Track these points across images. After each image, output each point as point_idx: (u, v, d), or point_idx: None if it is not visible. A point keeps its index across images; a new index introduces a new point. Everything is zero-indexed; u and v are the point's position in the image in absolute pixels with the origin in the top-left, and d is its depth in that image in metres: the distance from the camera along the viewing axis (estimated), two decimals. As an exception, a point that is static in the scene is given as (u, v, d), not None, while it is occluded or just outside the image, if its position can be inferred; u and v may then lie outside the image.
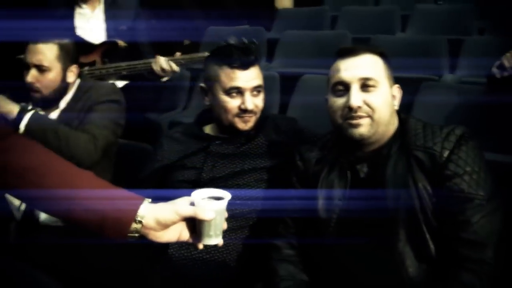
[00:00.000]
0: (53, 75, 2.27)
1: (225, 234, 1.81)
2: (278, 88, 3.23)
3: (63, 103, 2.35)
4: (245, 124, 1.96)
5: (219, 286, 1.86)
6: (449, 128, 1.58)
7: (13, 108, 2.18)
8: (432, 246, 1.51)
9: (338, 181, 1.67)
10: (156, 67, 2.96)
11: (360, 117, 1.57)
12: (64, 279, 1.86)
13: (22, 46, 2.31)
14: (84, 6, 3.29)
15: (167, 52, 3.11)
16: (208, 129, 2.10)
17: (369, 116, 1.58)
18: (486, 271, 1.43)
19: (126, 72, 3.07)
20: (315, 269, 1.70)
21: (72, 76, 2.34)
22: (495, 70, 2.42)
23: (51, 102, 2.33)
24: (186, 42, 5.25)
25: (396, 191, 1.55)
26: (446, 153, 1.52)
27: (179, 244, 1.84)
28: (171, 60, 2.96)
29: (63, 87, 2.34)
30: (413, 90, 2.95)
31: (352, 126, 1.59)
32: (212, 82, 1.98)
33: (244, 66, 1.92)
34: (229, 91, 1.93)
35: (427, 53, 3.68)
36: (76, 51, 2.36)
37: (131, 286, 1.92)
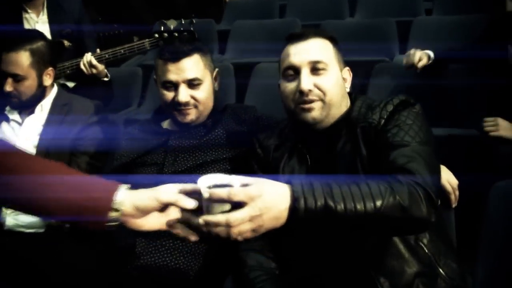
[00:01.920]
0: (29, 82, 2.27)
1: None
2: (233, 79, 3.20)
3: (38, 109, 2.33)
4: (184, 117, 1.94)
5: (189, 281, 1.83)
6: (387, 99, 1.60)
7: None
8: None
9: (299, 166, 1.67)
10: (81, 64, 2.90)
11: (312, 101, 1.58)
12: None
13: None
14: (29, 10, 3.21)
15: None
16: (166, 124, 2.07)
17: (321, 100, 1.59)
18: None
19: (69, 71, 2.99)
20: (284, 258, 1.69)
21: (48, 79, 2.34)
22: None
23: (29, 106, 2.33)
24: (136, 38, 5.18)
25: (345, 169, 1.56)
26: (382, 120, 1.54)
27: (146, 242, 1.81)
28: (94, 56, 2.90)
29: (41, 91, 2.33)
30: (366, 73, 2.99)
31: (305, 111, 1.59)
32: (155, 75, 1.98)
33: (174, 58, 1.89)
34: (164, 84, 1.92)
35: (377, 36, 3.73)
36: (50, 52, 2.33)
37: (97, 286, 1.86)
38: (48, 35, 3.19)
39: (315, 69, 1.60)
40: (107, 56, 2.93)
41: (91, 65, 2.89)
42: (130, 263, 1.83)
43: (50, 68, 2.34)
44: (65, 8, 3.29)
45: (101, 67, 2.92)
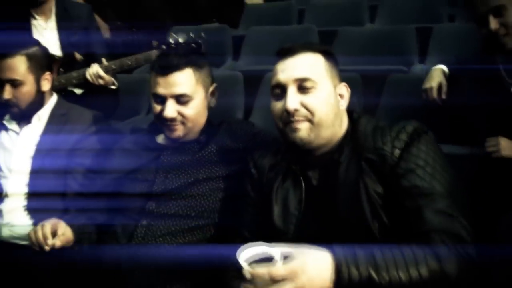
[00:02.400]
0: (27, 88, 2.23)
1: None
2: (242, 87, 3.11)
3: (36, 119, 2.30)
4: (171, 132, 1.85)
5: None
6: (399, 126, 1.48)
7: None
8: None
9: (293, 190, 1.56)
10: (87, 74, 2.86)
11: (299, 121, 1.48)
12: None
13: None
14: (37, 17, 3.18)
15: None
16: (160, 138, 1.99)
17: (308, 120, 1.48)
18: None
19: (75, 81, 2.96)
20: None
21: (47, 84, 2.31)
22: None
23: (28, 115, 2.29)
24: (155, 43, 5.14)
25: (348, 199, 1.45)
26: (396, 152, 1.42)
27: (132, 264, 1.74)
28: (102, 67, 2.86)
29: (40, 98, 2.29)
30: (380, 85, 2.85)
31: (292, 131, 1.49)
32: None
33: (163, 71, 1.80)
34: (154, 97, 1.84)
35: (395, 44, 3.58)
36: (45, 57, 2.32)
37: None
38: (56, 42, 3.19)
39: (302, 87, 1.49)
40: (113, 67, 2.89)
41: (98, 76, 2.84)
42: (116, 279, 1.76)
43: (48, 73, 2.30)
44: (73, 15, 3.26)
45: (107, 78, 2.86)
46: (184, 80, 1.81)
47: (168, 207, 1.80)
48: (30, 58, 2.22)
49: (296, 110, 1.46)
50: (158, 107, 1.83)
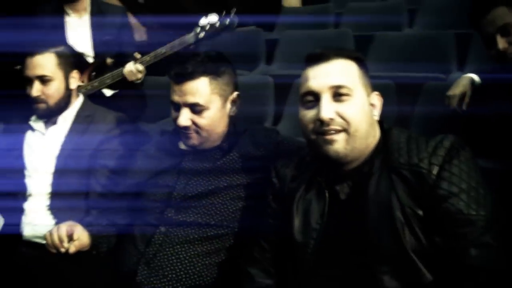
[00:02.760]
0: (56, 84, 2.24)
1: (198, 258, 1.70)
2: (272, 92, 3.05)
3: (61, 120, 2.30)
4: (186, 140, 1.83)
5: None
6: (436, 140, 1.38)
7: None
8: (427, 276, 1.32)
9: (316, 202, 1.49)
10: (125, 72, 2.91)
11: (335, 131, 1.38)
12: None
13: (19, 57, 2.29)
14: (71, 14, 3.21)
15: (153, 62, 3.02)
16: (183, 145, 1.94)
17: (344, 130, 1.39)
18: None
19: (110, 81, 3.00)
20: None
21: (74, 82, 2.32)
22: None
23: (55, 113, 2.30)
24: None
25: (379, 215, 1.36)
26: (435, 170, 1.33)
27: (148, 271, 1.71)
28: (137, 62, 2.90)
29: (67, 96, 2.30)
30: (415, 94, 2.75)
31: (326, 143, 1.39)
32: None
33: (177, 80, 1.77)
34: (171, 103, 1.82)
35: (433, 50, 3.46)
36: (73, 56, 2.35)
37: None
38: (88, 40, 3.24)
39: (337, 94, 1.39)
40: (148, 59, 2.91)
41: (137, 71, 2.89)
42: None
43: (75, 71, 2.32)
44: (107, 14, 3.29)
45: (141, 68, 2.90)
46: (198, 90, 1.76)
47: (187, 214, 1.76)
48: (59, 55, 2.24)
49: (331, 120, 1.38)
50: (174, 114, 1.81)
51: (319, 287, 1.44)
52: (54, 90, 2.24)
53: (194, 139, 1.81)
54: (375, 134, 1.46)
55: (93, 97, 2.82)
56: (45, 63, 2.21)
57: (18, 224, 2.22)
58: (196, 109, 1.77)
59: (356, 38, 3.89)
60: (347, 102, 1.40)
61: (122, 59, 3.19)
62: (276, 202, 1.61)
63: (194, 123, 1.78)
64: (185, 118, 1.77)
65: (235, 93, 1.88)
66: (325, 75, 1.42)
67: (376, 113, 1.48)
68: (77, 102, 2.36)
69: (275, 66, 3.99)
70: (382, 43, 3.76)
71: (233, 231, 1.76)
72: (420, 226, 1.32)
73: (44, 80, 2.21)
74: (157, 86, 3.28)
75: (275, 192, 1.61)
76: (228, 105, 1.86)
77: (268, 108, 3.01)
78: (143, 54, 2.95)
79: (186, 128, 1.78)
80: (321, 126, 1.39)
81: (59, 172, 2.22)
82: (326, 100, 1.39)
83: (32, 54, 2.21)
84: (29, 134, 2.34)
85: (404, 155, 1.38)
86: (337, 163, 1.42)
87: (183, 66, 1.75)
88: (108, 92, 3.20)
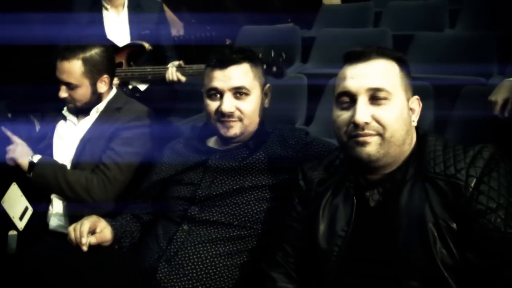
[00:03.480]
0: (82, 91, 2.24)
1: (220, 259, 1.68)
2: (306, 91, 3.00)
3: (94, 112, 2.31)
4: (227, 130, 1.79)
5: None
6: (475, 150, 1.31)
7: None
8: None
9: (343, 208, 1.43)
10: (167, 76, 2.96)
11: (368, 134, 1.33)
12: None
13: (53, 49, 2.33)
14: (109, 9, 3.24)
15: (190, 57, 3.04)
16: (211, 142, 1.94)
17: (379, 134, 1.33)
18: None
19: (151, 77, 3.03)
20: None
21: (103, 86, 2.29)
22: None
23: (86, 110, 2.32)
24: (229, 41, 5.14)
25: (410, 226, 1.30)
26: (473, 183, 1.26)
27: (168, 269, 1.69)
28: (180, 70, 2.94)
29: (97, 97, 2.30)
30: (453, 97, 2.66)
31: (359, 144, 1.33)
32: (202, 86, 1.86)
33: (222, 64, 1.76)
34: (209, 93, 1.79)
35: (474, 52, 3.35)
36: (105, 60, 2.27)
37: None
38: (127, 35, 3.26)
39: (375, 98, 1.33)
40: (191, 72, 2.95)
41: (177, 80, 2.95)
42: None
43: (105, 76, 2.27)
44: (146, 9, 3.30)
45: (183, 79, 2.95)
46: (243, 74, 1.78)
47: (210, 213, 1.74)
48: (86, 62, 2.20)
49: (366, 124, 1.32)
50: (213, 103, 1.78)
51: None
52: (80, 95, 2.24)
53: (236, 128, 1.79)
54: (411, 140, 1.39)
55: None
56: (71, 70, 2.19)
57: (45, 214, 2.26)
58: (241, 93, 1.77)
59: (396, 37, 3.79)
60: (384, 106, 1.33)
61: (160, 52, 3.23)
62: (302, 206, 1.56)
63: (238, 109, 1.77)
64: (230, 104, 1.75)
65: (268, 85, 1.89)
66: (363, 76, 1.35)
67: (415, 118, 1.41)
68: (110, 94, 2.35)
69: (311, 64, 3.94)
70: (422, 43, 3.66)
71: (257, 233, 1.72)
72: (453, 241, 1.26)
73: (70, 86, 2.22)
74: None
75: (301, 195, 1.56)
76: (263, 96, 1.87)
77: (301, 108, 2.96)
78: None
79: (230, 115, 1.76)
80: (355, 129, 1.33)
81: (81, 162, 2.22)
82: (363, 103, 1.33)
83: (61, 58, 2.19)
84: (61, 124, 2.37)
85: (440, 165, 1.31)
86: (368, 167, 1.37)
87: (226, 53, 1.77)
88: (142, 87, 3.22)
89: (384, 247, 1.34)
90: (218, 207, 1.74)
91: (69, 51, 2.18)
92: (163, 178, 1.91)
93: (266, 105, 1.89)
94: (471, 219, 1.25)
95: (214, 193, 1.76)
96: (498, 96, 2.14)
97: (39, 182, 2.18)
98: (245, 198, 1.74)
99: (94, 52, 2.22)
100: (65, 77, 2.20)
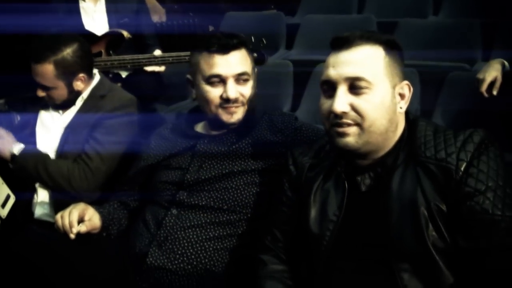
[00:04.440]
0: (58, 91, 2.19)
1: (210, 243, 1.68)
2: (292, 78, 2.99)
3: (79, 100, 2.26)
4: (231, 116, 1.77)
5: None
6: (465, 135, 1.31)
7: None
8: (449, 278, 1.27)
9: (334, 193, 1.43)
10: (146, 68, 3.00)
11: (347, 124, 1.32)
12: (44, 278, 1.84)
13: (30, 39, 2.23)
14: (87, 0, 3.19)
15: (173, 44, 3.01)
16: (199, 127, 1.92)
17: (357, 124, 1.31)
18: None
19: (130, 66, 3.03)
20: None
21: (80, 84, 2.22)
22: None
23: (66, 105, 2.26)
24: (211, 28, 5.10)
25: (402, 210, 1.30)
26: (463, 166, 1.27)
27: (159, 253, 1.70)
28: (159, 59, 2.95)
29: (75, 94, 2.24)
30: (439, 83, 2.67)
31: (338, 135, 1.33)
32: (194, 71, 1.79)
33: (224, 50, 1.72)
34: (209, 79, 1.74)
35: (459, 39, 3.36)
36: (79, 59, 2.17)
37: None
38: (105, 25, 3.23)
39: (354, 87, 1.31)
40: (170, 60, 2.94)
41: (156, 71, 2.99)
42: (140, 275, 1.72)
43: (81, 75, 2.20)
44: None
45: (162, 69, 2.98)
46: (243, 59, 1.76)
47: (199, 198, 1.73)
48: (58, 65, 2.11)
49: (344, 113, 1.31)
50: (215, 90, 1.75)
51: (334, 279, 1.39)
52: (57, 95, 2.20)
53: (239, 113, 1.77)
54: (396, 128, 1.38)
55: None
56: (44, 74, 2.12)
57: (30, 203, 2.23)
58: (242, 79, 1.75)
59: (380, 24, 3.79)
60: (364, 95, 1.31)
61: (140, 40, 3.20)
62: (292, 191, 1.56)
63: (241, 94, 1.75)
64: (234, 90, 1.73)
65: (256, 69, 1.87)
66: (344, 64, 1.33)
67: (403, 104, 1.39)
68: (94, 81, 2.30)
69: (295, 51, 3.92)
70: (406, 30, 3.66)
71: (246, 217, 1.72)
72: (444, 224, 1.27)
73: (45, 88, 2.17)
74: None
75: (291, 181, 1.56)
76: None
77: (287, 95, 2.95)
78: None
79: (235, 101, 1.74)
80: (335, 118, 1.33)
81: (62, 152, 2.20)
82: (342, 92, 1.32)
83: (34, 61, 2.12)
84: (45, 112, 2.32)
85: (431, 149, 1.32)
86: (351, 154, 1.37)
87: (226, 38, 1.73)
88: (124, 73, 3.19)
89: (376, 231, 1.34)
90: (207, 192, 1.74)
91: (40, 54, 2.11)
92: (150, 164, 1.89)
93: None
94: (460, 202, 1.26)
95: (203, 178, 1.74)
96: (487, 74, 2.15)
97: (21, 173, 2.16)
98: (234, 183, 1.73)
99: (66, 53, 2.13)
100: (39, 80, 2.15)
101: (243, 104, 1.77)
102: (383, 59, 1.34)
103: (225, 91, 1.72)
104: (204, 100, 1.77)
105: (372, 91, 1.31)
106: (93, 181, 2.12)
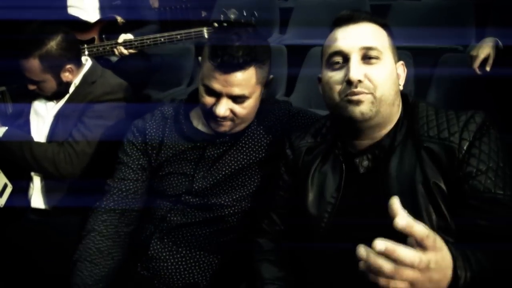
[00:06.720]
0: (47, 84, 2.18)
1: (213, 236, 1.71)
2: (286, 61, 2.98)
3: (72, 87, 2.25)
4: (218, 127, 1.66)
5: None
6: (468, 115, 1.33)
7: None
8: None
9: (332, 175, 1.44)
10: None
11: (362, 92, 1.33)
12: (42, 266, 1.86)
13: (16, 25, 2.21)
14: None
15: (170, 26, 2.98)
16: (200, 125, 1.79)
17: (371, 93, 1.34)
18: None
19: (109, 50, 2.97)
20: (302, 270, 1.52)
21: (68, 75, 2.21)
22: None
23: (59, 95, 2.26)
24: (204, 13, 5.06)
25: (401, 191, 1.31)
26: (465, 145, 1.29)
27: (161, 246, 1.71)
28: (152, 38, 2.90)
29: (65, 84, 2.23)
30: (432, 64, 2.68)
31: (352, 103, 1.33)
32: (201, 65, 1.67)
33: (226, 69, 1.55)
34: (206, 88, 1.61)
35: (451, 21, 3.36)
36: (65, 50, 2.15)
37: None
38: (96, 7, 3.18)
39: (367, 56, 1.35)
40: (162, 40, 2.88)
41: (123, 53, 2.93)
42: (141, 264, 1.73)
43: (68, 66, 2.18)
44: None
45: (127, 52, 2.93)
46: (246, 81, 1.58)
47: (205, 200, 1.71)
48: (43, 59, 2.09)
49: (359, 81, 1.32)
50: (209, 100, 1.61)
51: (331, 261, 1.40)
52: (46, 88, 2.19)
53: (226, 127, 1.66)
54: (399, 104, 1.41)
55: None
56: (30, 69, 2.11)
57: (26, 191, 2.24)
58: (238, 99, 1.61)
59: (373, 7, 3.78)
60: (376, 65, 1.35)
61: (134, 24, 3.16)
62: (288, 175, 1.57)
63: (232, 112, 1.62)
64: (225, 108, 1.59)
65: (271, 76, 1.73)
66: (355, 36, 1.37)
67: (401, 82, 1.43)
68: (86, 67, 2.30)
69: (289, 35, 3.91)
70: (400, 12, 3.66)
71: (248, 208, 1.72)
72: (445, 204, 1.28)
73: (33, 81, 2.16)
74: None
75: (288, 164, 1.57)
76: (264, 90, 1.71)
77: (281, 79, 2.94)
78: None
79: (223, 118, 1.62)
80: (349, 87, 1.34)
81: (53, 139, 2.20)
82: (355, 61, 1.35)
83: (19, 56, 2.10)
84: (37, 102, 2.31)
85: (433, 129, 1.34)
86: (359, 128, 1.38)
87: (232, 55, 1.54)
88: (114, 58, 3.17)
89: (374, 213, 1.35)
90: (213, 193, 1.71)
91: (24, 49, 2.09)
92: (151, 164, 1.78)
93: (264, 96, 1.74)
94: (462, 181, 1.28)
95: (210, 184, 1.70)
96: (480, 51, 2.16)
97: (6, 156, 2.14)
98: (240, 180, 1.71)
99: (50, 46, 2.10)
100: (27, 74, 2.14)
101: (232, 120, 1.65)
102: (386, 36, 1.41)
103: (216, 105, 1.61)
104: (199, 100, 1.67)
105: (382, 62, 1.36)
106: (78, 165, 2.12)
